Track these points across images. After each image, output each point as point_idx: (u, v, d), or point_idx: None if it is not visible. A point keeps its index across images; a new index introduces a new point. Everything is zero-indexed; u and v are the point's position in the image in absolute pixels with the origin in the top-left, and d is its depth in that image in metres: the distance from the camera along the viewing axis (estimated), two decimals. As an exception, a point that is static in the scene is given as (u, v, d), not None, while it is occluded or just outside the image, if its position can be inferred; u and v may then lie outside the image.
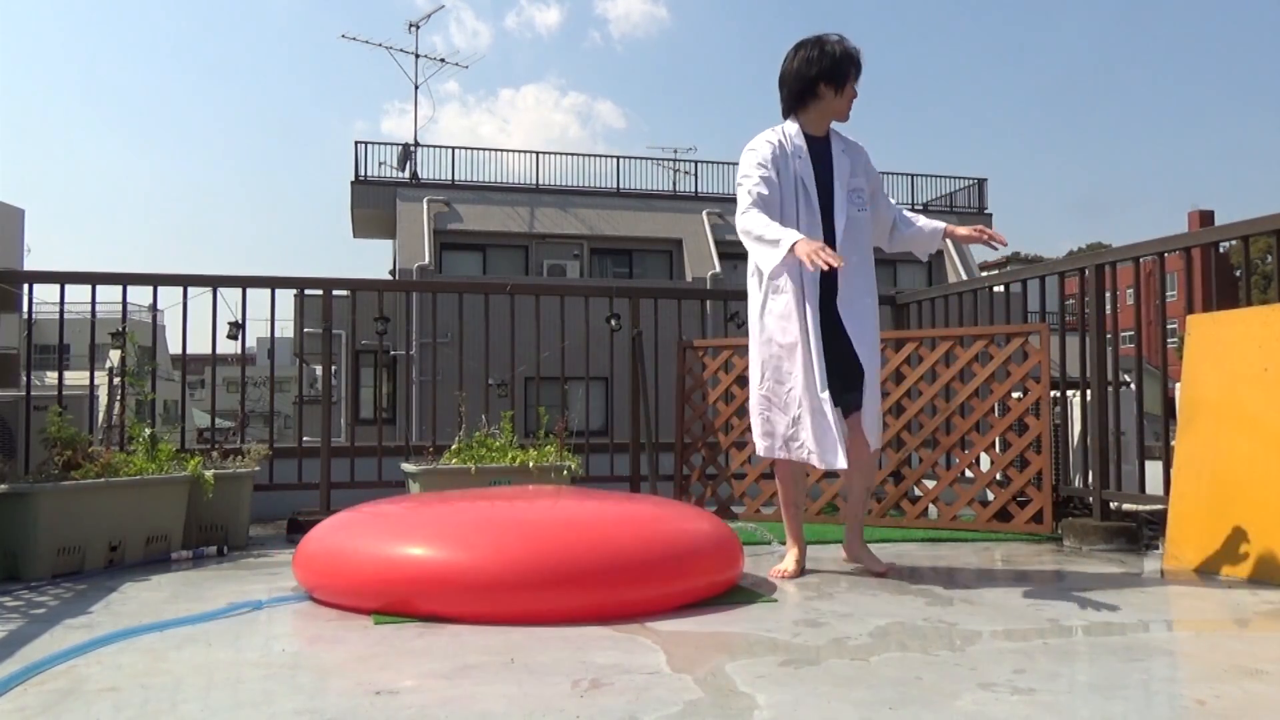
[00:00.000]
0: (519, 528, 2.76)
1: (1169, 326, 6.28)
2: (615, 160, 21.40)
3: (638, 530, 2.76)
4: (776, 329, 3.10)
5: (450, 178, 20.42)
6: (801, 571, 3.21)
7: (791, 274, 3.04)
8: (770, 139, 3.20)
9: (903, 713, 1.69)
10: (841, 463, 2.99)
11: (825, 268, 2.76)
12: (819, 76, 3.16)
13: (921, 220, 3.37)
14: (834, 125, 3.28)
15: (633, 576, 2.55)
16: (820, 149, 3.21)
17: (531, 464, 4.06)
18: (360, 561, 2.63)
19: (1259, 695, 1.80)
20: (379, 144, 20.42)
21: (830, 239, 3.11)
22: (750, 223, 3.03)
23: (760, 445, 3.20)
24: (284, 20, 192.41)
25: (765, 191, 3.08)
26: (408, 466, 4.15)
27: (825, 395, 3.00)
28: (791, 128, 3.22)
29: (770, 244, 2.94)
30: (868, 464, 3.25)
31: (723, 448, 4.93)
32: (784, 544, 3.38)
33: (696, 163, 21.70)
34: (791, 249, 2.85)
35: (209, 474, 3.67)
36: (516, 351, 4.93)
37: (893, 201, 3.44)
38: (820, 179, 3.16)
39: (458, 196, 19.82)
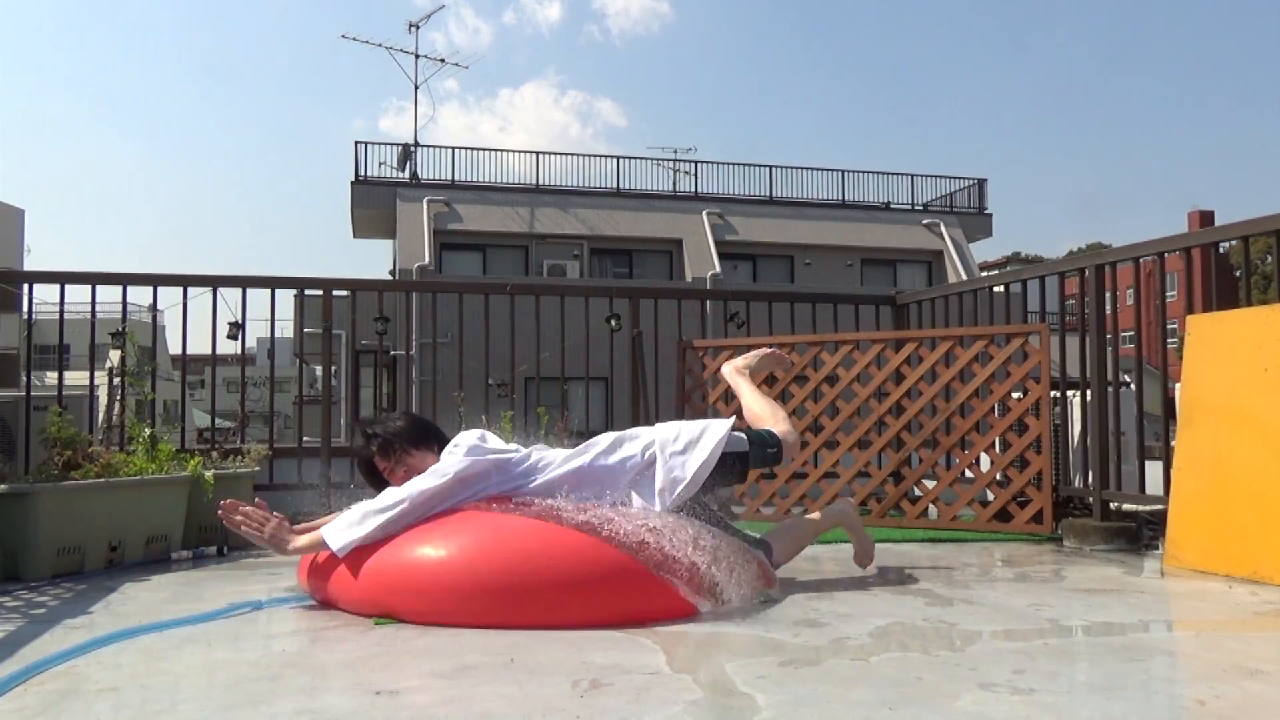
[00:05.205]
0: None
1: (1169, 326, 6.28)
2: (615, 160, 21.34)
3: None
4: None
5: (450, 178, 20.38)
6: None
7: None
8: None
9: (903, 713, 1.69)
10: None
11: None
12: None
13: None
14: None
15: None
16: None
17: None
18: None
19: (1259, 695, 1.80)
20: (379, 144, 20.38)
21: None
22: None
23: None
24: (283, 20, 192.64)
25: None
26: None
27: None
28: None
29: None
30: None
31: (723, 448, 4.92)
32: None
33: (696, 163, 21.57)
34: None
35: (209, 474, 3.68)
36: (516, 351, 4.93)
37: None
38: None
39: (458, 196, 19.79)
